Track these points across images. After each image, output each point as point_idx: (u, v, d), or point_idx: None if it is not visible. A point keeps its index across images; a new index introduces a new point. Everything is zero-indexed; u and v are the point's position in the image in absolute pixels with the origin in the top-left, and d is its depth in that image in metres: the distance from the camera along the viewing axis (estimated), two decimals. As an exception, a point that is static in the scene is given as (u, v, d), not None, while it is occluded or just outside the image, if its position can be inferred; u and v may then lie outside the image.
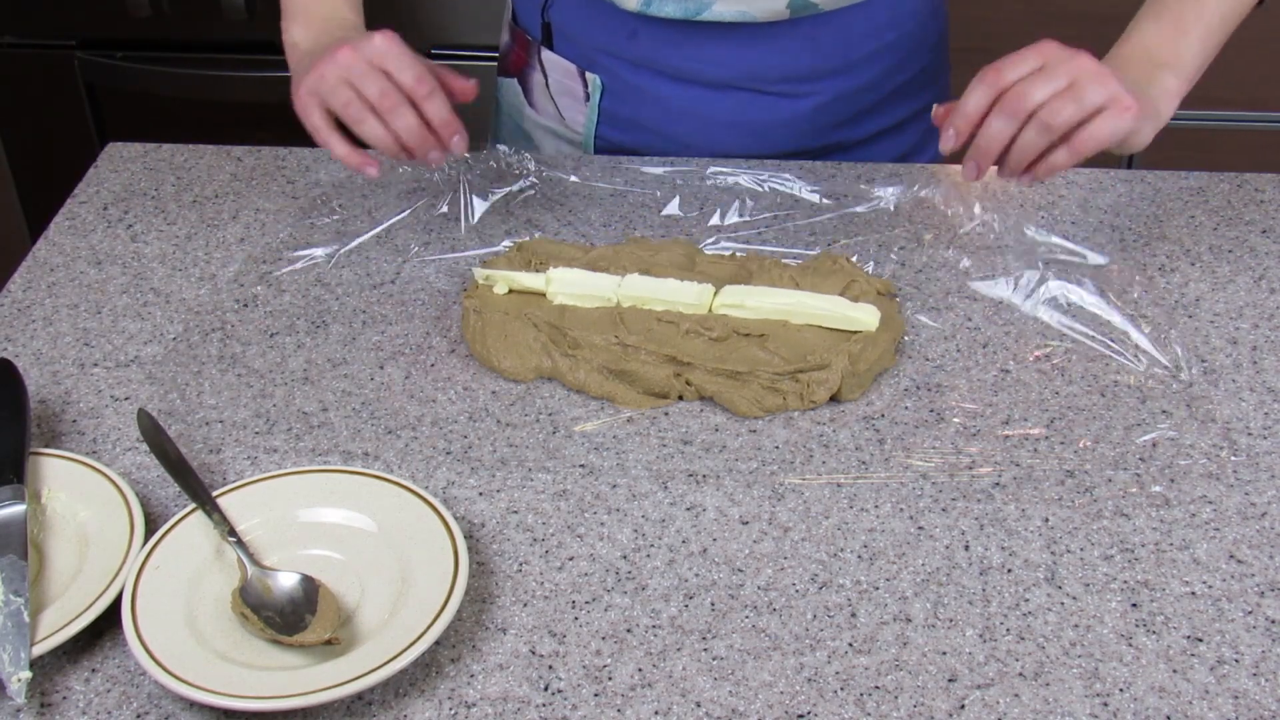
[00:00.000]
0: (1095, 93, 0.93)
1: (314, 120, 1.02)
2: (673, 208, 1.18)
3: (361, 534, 0.88)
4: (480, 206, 1.18)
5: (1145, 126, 0.98)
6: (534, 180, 1.22)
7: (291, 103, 1.04)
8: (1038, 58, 0.95)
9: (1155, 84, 1.00)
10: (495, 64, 1.40)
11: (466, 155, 1.12)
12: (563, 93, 1.28)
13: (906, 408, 0.99)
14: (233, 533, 0.86)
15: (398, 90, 1.00)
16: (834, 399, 0.99)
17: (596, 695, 0.79)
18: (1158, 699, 0.79)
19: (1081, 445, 0.96)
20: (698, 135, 1.25)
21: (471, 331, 1.04)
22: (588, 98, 1.26)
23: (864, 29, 1.20)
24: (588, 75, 1.25)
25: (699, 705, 0.79)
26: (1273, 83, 2.06)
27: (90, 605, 0.81)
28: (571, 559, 0.88)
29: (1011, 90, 0.94)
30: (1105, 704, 0.79)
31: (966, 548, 0.88)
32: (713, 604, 0.85)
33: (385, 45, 1.01)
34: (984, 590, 0.85)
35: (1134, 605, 0.84)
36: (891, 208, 1.18)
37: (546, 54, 1.27)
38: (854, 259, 1.10)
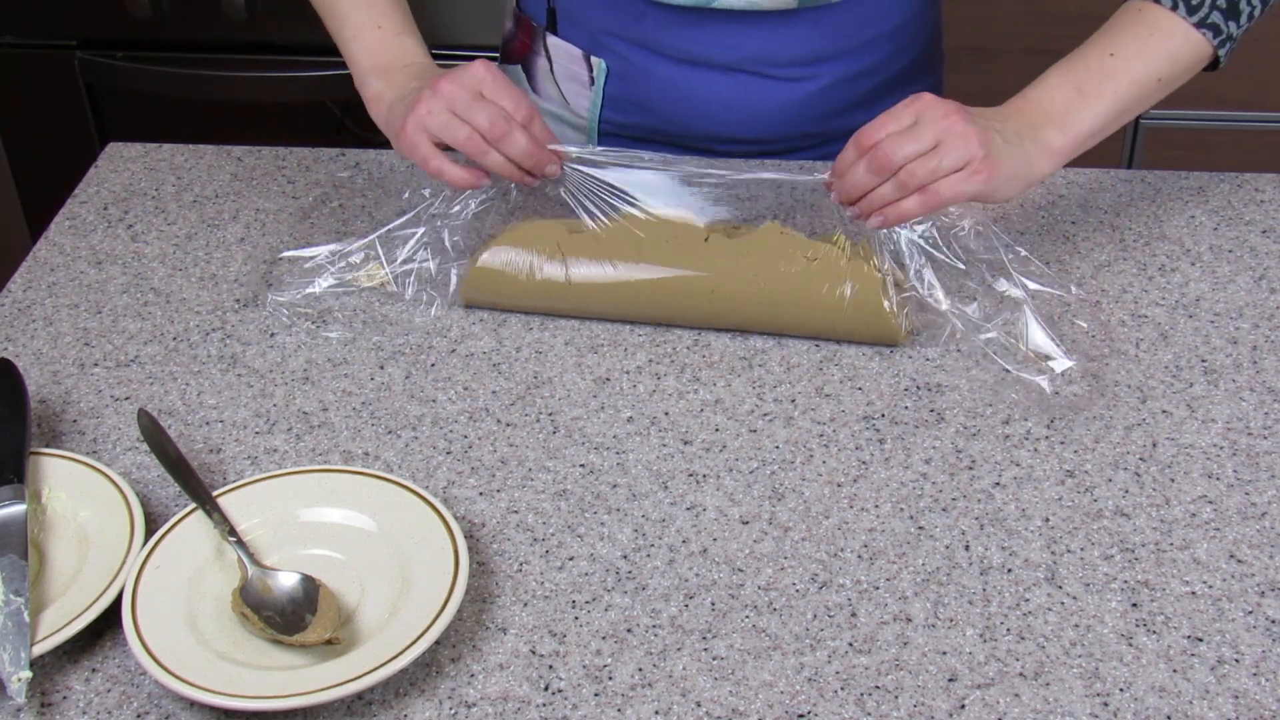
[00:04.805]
0: (953, 156, 0.97)
1: (424, 150, 1.03)
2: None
3: (361, 534, 0.88)
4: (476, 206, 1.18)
5: (1008, 185, 1.00)
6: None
7: (397, 145, 1.05)
8: (911, 115, 0.98)
9: (1035, 140, 1.01)
10: (495, 60, 1.40)
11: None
12: (567, 78, 1.29)
13: (906, 408, 0.99)
14: (233, 532, 0.86)
15: (506, 116, 1.02)
16: (882, 344, 1.03)
17: (597, 695, 0.79)
18: (1158, 699, 0.79)
19: (1081, 445, 0.96)
20: (702, 118, 1.26)
21: (473, 277, 1.08)
22: (592, 82, 1.27)
23: (865, 15, 1.22)
24: (592, 60, 1.26)
25: (699, 705, 0.79)
26: (1273, 83, 2.06)
27: (90, 605, 0.81)
28: (571, 559, 0.88)
29: (879, 147, 0.98)
30: (1105, 704, 0.79)
31: (966, 548, 0.88)
32: (713, 604, 0.85)
33: (483, 72, 1.03)
34: (984, 590, 0.86)
35: (1134, 605, 0.84)
36: None
37: (551, 39, 1.28)
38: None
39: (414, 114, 1.03)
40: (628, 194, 1.07)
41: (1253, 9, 1.03)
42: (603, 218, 1.06)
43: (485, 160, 1.03)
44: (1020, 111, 1.02)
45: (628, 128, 1.29)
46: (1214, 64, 1.05)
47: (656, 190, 1.07)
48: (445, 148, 1.04)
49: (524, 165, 1.04)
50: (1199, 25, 1.02)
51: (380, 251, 1.10)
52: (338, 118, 2.08)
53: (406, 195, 1.13)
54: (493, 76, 1.04)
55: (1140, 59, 1.02)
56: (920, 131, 0.97)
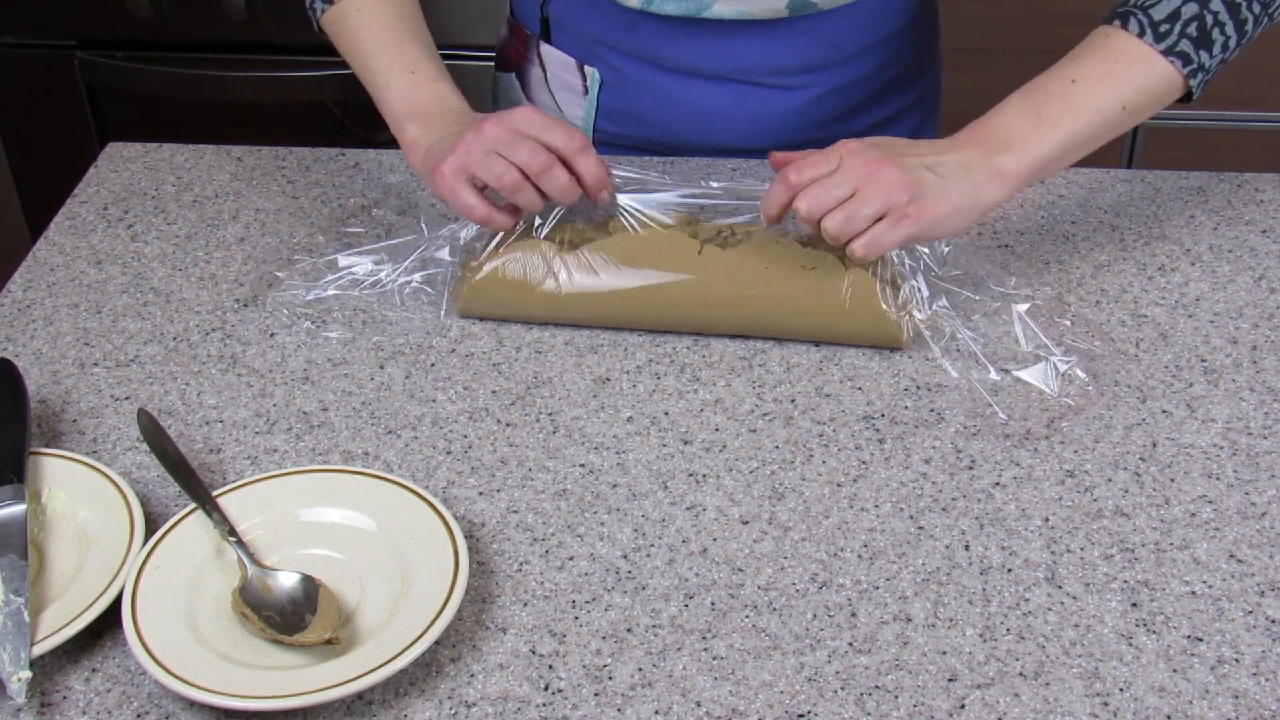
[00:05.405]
0: (873, 204, 0.95)
1: (468, 200, 1.01)
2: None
3: (361, 534, 0.88)
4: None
5: (951, 220, 0.97)
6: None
7: (434, 186, 1.03)
8: (836, 159, 0.97)
9: (988, 167, 0.98)
10: (493, 62, 1.40)
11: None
12: (561, 87, 1.29)
13: (906, 408, 0.99)
14: (233, 532, 0.86)
15: (548, 151, 1.00)
16: (886, 348, 1.03)
17: (596, 695, 0.79)
18: (1158, 699, 0.79)
19: (1081, 445, 0.96)
20: (695, 128, 1.26)
21: (469, 292, 1.06)
22: (586, 91, 1.27)
23: (856, 25, 1.21)
24: (586, 69, 1.26)
25: (699, 705, 0.79)
26: (1273, 83, 2.06)
27: (90, 605, 0.81)
28: (571, 559, 0.88)
29: (798, 200, 0.97)
30: (1105, 704, 0.79)
31: (966, 548, 0.88)
32: (713, 604, 0.85)
33: (530, 114, 1.02)
34: (984, 590, 0.86)
35: (1134, 605, 0.84)
36: None
37: (545, 48, 1.28)
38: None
39: (454, 154, 1.00)
40: (623, 206, 1.06)
41: (1227, 39, 0.99)
42: (593, 233, 1.05)
43: (517, 197, 1.01)
44: (974, 140, 0.99)
45: (622, 137, 1.29)
46: (1188, 95, 1.02)
47: (652, 202, 1.07)
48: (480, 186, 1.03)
49: (562, 202, 1.03)
50: (1167, 53, 0.98)
51: (383, 256, 1.10)
52: (338, 118, 2.08)
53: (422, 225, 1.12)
54: (540, 118, 1.02)
55: (1103, 87, 0.99)
56: (839, 179, 0.96)
